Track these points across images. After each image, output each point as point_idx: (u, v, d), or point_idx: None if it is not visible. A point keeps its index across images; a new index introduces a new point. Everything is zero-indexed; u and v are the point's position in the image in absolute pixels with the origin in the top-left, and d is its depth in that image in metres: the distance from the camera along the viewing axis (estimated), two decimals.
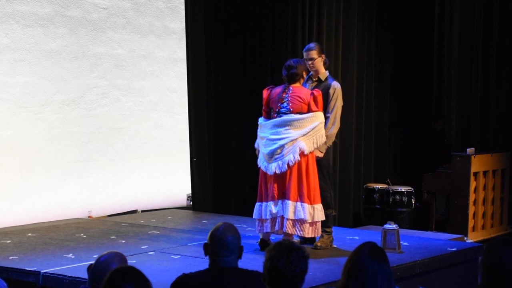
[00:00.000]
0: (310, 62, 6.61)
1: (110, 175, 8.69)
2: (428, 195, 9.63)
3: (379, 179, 10.43)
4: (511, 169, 9.77)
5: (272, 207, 6.23)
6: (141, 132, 9.02)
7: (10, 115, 7.80)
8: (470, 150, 9.18)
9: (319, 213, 6.29)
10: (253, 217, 6.44)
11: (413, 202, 9.65)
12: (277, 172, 6.20)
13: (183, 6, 8.94)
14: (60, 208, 8.13)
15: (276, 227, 6.26)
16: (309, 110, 6.29)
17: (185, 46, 8.85)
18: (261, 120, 6.51)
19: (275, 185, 6.23)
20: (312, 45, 6.76)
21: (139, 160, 8.98)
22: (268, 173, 6.26)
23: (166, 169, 9.21)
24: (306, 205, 6.20)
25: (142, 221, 7.98)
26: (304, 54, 6.68)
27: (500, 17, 9.75)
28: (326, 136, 6.49)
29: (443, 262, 6.56)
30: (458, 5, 9.81)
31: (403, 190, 9.65)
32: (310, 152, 6.28)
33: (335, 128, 6.59)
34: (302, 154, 6.20)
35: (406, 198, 9.61)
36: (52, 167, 8.15)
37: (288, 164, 6.16)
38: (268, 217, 6.27)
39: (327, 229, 6.62)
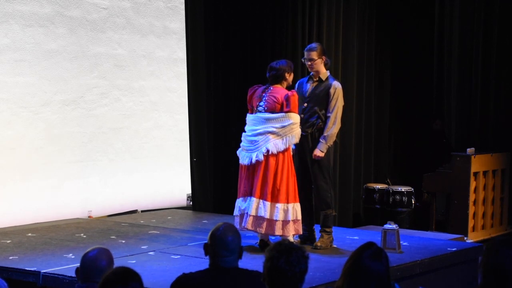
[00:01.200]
0: (309, 63, 6.60)
1: (110, 175, 8.69)
2: (428, 195, 9.63)
3: (379, 179, 10.43)
4: (511, 169, 9.77)
5: (241, 203, 6.40)
6: (141, 132, 9.02)
7: (10, 115, 7.80)
8: (470, 150, 9.19)
9: (281, 213, 6.28)
10: (233, 214, 6.58)
11: (413, 202, 9.65)
12: (242, 163, 6.38)
13: (183, 6, 8.94)
14: (60, 208, 8.13)
15: (243, 224, 6.33)
16: (281, 110, 6.34)
17: (185, 46, 8.85)
18: (247, 115, 6.65)
19: (245, 181, 6.37)
20: (313, 45, 6.76)
21: (139, 160, 8.99)
22: (240, 162, 6.42)
23: (166, 169, 9.21)
24: (267, 203, 6.25)
25: (142, 221, 7.98)
26: (305, 53, 6.68)
27: (500, 17, 9.76)
28: (327, 136, 6.50)
29: (443, 262, 6.56)
30: (458, 5, 9.82)
31: (403, 190, 9.65)
32: (281, 152, 6.31)
33: (335, 128, 6.59)
34: (268, 154, 6.27)
35: (406, 198, 9.62)
36: (52, 167, 8.15)
37: (251, 160, 6.29)
38: (237, 213, 6.44)
39: (327, 229, 6.62)
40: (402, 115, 10.97)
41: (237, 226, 6.32)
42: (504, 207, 9.75)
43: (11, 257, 6.07)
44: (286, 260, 3.28)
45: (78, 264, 5.48)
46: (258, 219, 6.27)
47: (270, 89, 6.43)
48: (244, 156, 6.39)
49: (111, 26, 8.66)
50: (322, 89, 6.59)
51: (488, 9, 9.78)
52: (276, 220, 6.27)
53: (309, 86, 6.64)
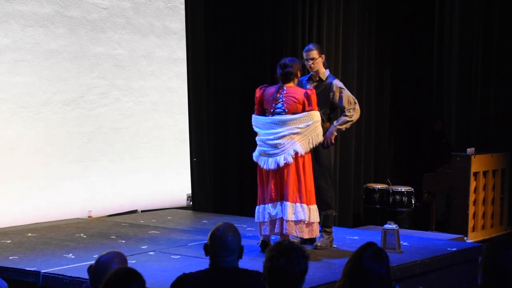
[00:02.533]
0: (311, 62, 6.59)
1: (110, 175, 8.69)
2: (428, 195, 9.63)
3: (379, 179, 10.43)
4: (511, 169, 9.77)
5: (271, 209, 6.18)
6: (141, 132, 9.02)
7: (10, 115, 7.80)
8: (470, 150, 9.19)
9: (315, 214, 6.25)
10: (255, 220, 6.38)
11: (413, 202, 9.65)
12: (266, 168, 6.16)
13: (183, 6, 8.94)
14: (60, 208, 8.13)
15: (276, 229, 6.20)
16: (304, 110, 6.23)
17: (185, 46, 8.85)
18: (254, 116, 6.44)
19: (272, 187, 6.17)
20: (311, 45, 6.75)
21: (139, 160, 8.98)
22: (263, 167, 6.20)
23: (166, 169, 9.21)
24: (305, 206, 6.16)
25: (142, 221, 7.98)
26: (304, 54, 6.67)
27: (500, 17, 9.76)
28: (347, 122, 6.51)
29: (443, 262, 6.56)
30: (458, 5, 9.82)
31: (403, 190, 9.66)
32: (306, 153, 6.22)
33: (356, 114, 6.58)
34: (297, 155, 6.14)
35: (406, 198, 9.62)
36: (52, 167, 8.15)
37: (278, 164, 6.11)
38: (266, 219, 6.21)
39: (327, 229, 6.62)
40: (402, 115, 10.98)
41: (266, 233, 6.23)
42: (504, 207, 9.75)
43: (11, 257, 6.07)
44: (286, 260, 3.28)
45: (78, 264, 5.44)
46: (298, 223, 6.14)
47: (284, 89, 6.27)
48: (269, 161, 6.16)
49: (111, 26, 8.66)
50: (323, 88, 6.58)
51: (488, 9, 9.79)
52: (314, 223, 6.22)
53: (309, 86, 6.63)
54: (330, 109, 6.69)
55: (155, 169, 9.11)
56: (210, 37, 8.86)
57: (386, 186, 9.94)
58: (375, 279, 3.22)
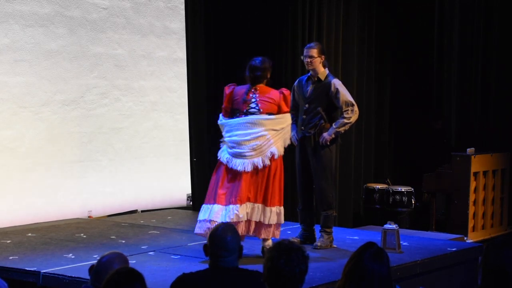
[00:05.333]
0: (308, 60, 6.55)
1: (110, 175, 8.69)
2: (428, 195, 9.62)
3: (379, 179, 10.42)
4: (511, 169, 9.77)
5: (238, 211, 5.94)
6: (141, 132, 9.02)
7: (10, 115, 7.81)
8: (470, 150, 9.19)
9: (275, 217, 6.09)
10: (200, 218, 6.13)
11: (413, 202, 9.64)
12: (241, 169, 5.99)
13: (183, 6, 8.94)
14: (60, 208, 8.13)
15: (250, 231, 6.09)
16: (280, 111, 6.13)
17: (185, 46, 8.85)
18: (221, 118, 6.28)
19: (244, 188, 5.97)
20: (313, 44, 6.74)
21: (139, 160, 8.98)
22: (231, 167, 6.02)
23: (166, 169, 9.21)
24: (273, 208, 6.07)
25: (142, 221, 7.98)
26: (304, 51, 6.64)
27: (500, 17, 9.76)
28: (345, 124, 6.45)
29: (443, 262, 6.56)
30: (458, 5, 9.82)
31: (403, 190, 9.65)
32: (279, 155, 6.13)
33: (354, 115, 6.53)
34: (273, 157, 6.06)
35: (406, 198, 9.61)
36: (52, 167, 8.15)
37: (256, 167, 5.98)
38: (232, 219, 5.92)
39: (327, 230, 6.62)
40: (402, 115, 10.97)
41: (242, 232, 6.05)
42: (504, 207, 9.74)
43: (11, 257, 6.08)
44: (286, 260, 3.28)
45: (78, 264, 5.46)
46: (259, 225, 6.09)
47: (256, 90, 6.14)
48: (245, 163, 5.99)
49: (111, 26, 8.66)
50: (322, 88, 6.57)
51: (488, 9, 9.78)
52: (270, 224, 6.09)
53: (310, 87, 6.61)
54: (331, 109, 6.66)
55: (155, 169, 9.11)
56: (210, 37, 8.86)
57: (386, 186, 9.93)
58: (375, 279, 3.23)
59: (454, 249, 6.80)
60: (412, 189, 9.69)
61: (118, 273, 3.19)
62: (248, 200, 6.02)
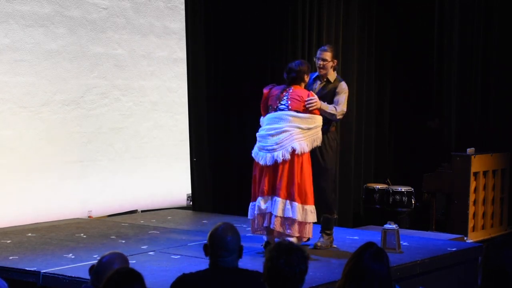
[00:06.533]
0: (321, 62, 6.56)
1: (110, 175, 8.69)
2: (428, 195, 9.63)
3: (379, 179, 10.43)
4: (511, 169, 9.77)
5: (261, 203, 6.15)
6: (141, 132, 9.02)
7: (10, 115, 7.80)
8: (470, 150, 9.19)
9: (310, 215, 6.18)
10: (248, 217, 6.38)
11: (413, 202, 9.65)
12: (263, 163, 6.13)
13: (183, 6, 8.94)
14: (60, 208, 8.13)
15: (265, 223, 6.18)
16: (305, 109, 6.21)
17: (185, 46, 8.85)
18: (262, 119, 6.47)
19: (266, 181, 6.14)
20: (328, 47, 6.73)
21: (139, 160, 8.98)
22: (258, 161, 6.18)
23: (166, 169, 9.21)
24: (295, 204, 6.11)
25: (142, 221, 7.98)
26: (318, 52, 6.66)
27: (500, 16, 9.76)
28: (330, 110, 6.40)
29: (443, 262, 6.56)
30: (458, 4, 9.82)
31: (403, 190, 9.65)
32: (304, 153, 6.17)
33: (339, 114, 6.48)
34: (294, 153, 6.11)
35: (406, 198, 9.61)
36: (52, 167, 8.15)
37: (276, 160, 6.09)
38: (256, 212, 6.20)
39: (327, 231, 6.61)
40: (402, 115, 10.97)
41: (256, 227, 6.23)
42: (504, 207, 9.75)
43: (11, 257, 6.07)
44: (286, 260, 3.28)
45: (78, 264, 5.46)
46: (286, 220, 6.10)
47: (290, 89, 6.28)
48: (267, 157, 6.13)
49: (111, 26, 8.66)
50: (330, 90, 6.55)
51: (488, 8, 9.78)
52: (308, 223, 6.17)
53: (317, 86, 6.61)
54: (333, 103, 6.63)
55: (155, 169, 9.11)
56: (210, 37, 8.86)
57: (386, 186, 9.93)
58: (375, 279, 3.23)
59: (454, 249, 6.80)
60: (412, 189, 9.69)
61: (118, 273, 3.19)
62: (268, 193, 6.14)
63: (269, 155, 6.13)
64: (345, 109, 6.56)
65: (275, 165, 6.12)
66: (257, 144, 6.28)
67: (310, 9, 9.36)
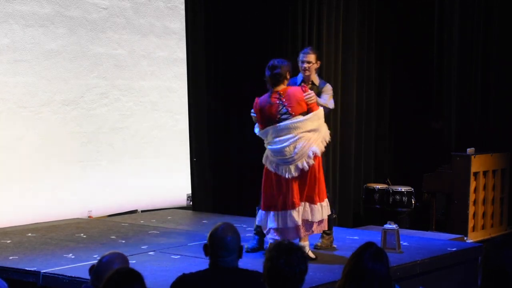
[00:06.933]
0: (306, 65, 6.46)
1: (110, 175, 8.69)
2: (428, 195, 9.63)
3: (379, 179, 10.43)
4: (511, 169, 9.77)
5: (294, 215, 5.98)
6: (141, 132, 9.02)
7: (10, 115, 7.81)
8: (470, 150, 9.19)
9: (326, 210, 6.18)
10: (257, 223, 6.26)
11: (413, 202, 9.65)
12: (289, 176, 5.99)
13: (183, 6, 8.94)
14: (60, 208, 8.13)
15: (301, 234, 6.06)
16: (309, 109, 6.10)
17: (185, 46, 8.85)
18: (257, 130, 6.24)
19: (294, 193, 5.99)
20: (310, 49, 6.62)
21: (139, 160, 8.99)
22: (280, 174, 6.03)
23: (166, 169, 9.21)
24: (323, 204, 6.12)
25: (142, 221, 7.98)
26: (301, 55, 6.53)
27: (500, 16, 9.76)
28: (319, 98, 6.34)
29: (443, 262, 6.56)
30: (458, 4, 9.82)
31: (403, 190, 9.65)
32: (321, 152, 6.13)
33: (327, 102, 6.42)
34: (315, 155, 6.04)
35: (406, 198, 9.61)
36: (52, 167, 8.15)
37: (302, 169, 5.98)
38: (291, 225, 6.01)
39: (327, 231, 6.61)
40: (402, 115, 10.97)
41: (295, 239, 5.97)
42: (504, 207, 9.75)
43: (11, 257, 6.08)
44: (286, 260, 3.28)
45: (78, 264, 5.45)
46: (322, 222, 6.13)
47: (279, 93, 6.06)
48: (291, 169, 5.99)
49: (111, 26, 8.66)
50: (316, 93, 6.36)
51: (488, 8, 9.78)
52: (322, 219, 6.14)
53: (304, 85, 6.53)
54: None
55: (155, 169, 9.11)
56: (210, 37, 8.86)
57: (386, 186, 9.93)
58: (375, 279, 3.23)
59: (454, 249, 6.80)
60: (412, 189, 9.69)
61: (118, 273, 3.19)
62: (299, 204, 6.03)
63: (292, 167, 6.01)
64: (333, 103, 6.50)
65: (302, 174, 6.01)
66: (274, 159, 6.08)
67: (310, 10, 9.36)
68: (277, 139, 6.05)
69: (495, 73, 9.79)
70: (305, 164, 5.99)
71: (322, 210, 6.14)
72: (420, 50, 10.79)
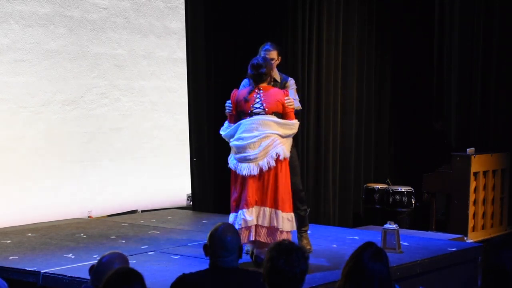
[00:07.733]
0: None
1: (110, 175, 8.69)
2: (428, 195, 9.63)
3: (379, 179, 10.43)
4: (511, 169, 9.78)
5: (246, 215, 5.73)
6: (141, 132, 9.02)
7: (10, 115, 7.80)
8: (470, 150, 9.19)
9: (288, 224, 5.79)
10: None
11: (413, 202, 9.65)
12: (247, 173, 5.75)
13: (183, 6, 8.94)
14: (60, 208, 8.13)
15: (250, 237, 5.78)
16: (285, 113, 5.88)
17: (185, 46, 8.85)
18: (225, 126, 6.06)
19: (249, 192, 5.75)
20: (272, 45, 6.37)
21: (139, 160, 8.98)
22: (238, 173, 5.81)
23: (166, 169, 9.21)
24: (279, 212, 5.77)
25: (142, 221, 7.98)
26: (262, 52, 6.29)
27: (500, 16, 9.76)
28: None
29: (443, 262, 6.56)
30: (458, 4, 9.82)
31: (403, 190, 9.65)
32: (286, 158, 5.87)
33: (297, 102, 6.23)
34: (278, 159, 5.78)
35: (406, 198, 9.61)
36: (52, 167, 8.15)
37: (261, 169, 5.74)
38: (240, 225, 5.70)
39: (304, 228, 6.34)
40: (402, 115, 10.97)
41: (243, 240, 5.64)
42: (504, 207, 9.75)
43: (11, 257, 6.08)
44: (286, 260, 3.28)
45: (78, 264, 5.45)
46: (271, 229, 5.77)
47: (260, 90, 5.89)
48: (251, 167, 5.75)
49: (111, 26, 8.66)
50: (279, 88, 6.19)
51: (488, 8, 9.78)
52: (282, 231, 5.78)
53: (285, 90, 6.29)
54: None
55: (155, 169, 9.11)
56: (210, 37, 8.86)
57: (386, 186, 9.93)
58: (375, 279, 3.23)
59: (454, 249, 6.80)
60: (412, 189, 9.69)
61: (118, 273, 3.19)
62: (256, 203, 5.78)
63: (252, 164, 5.77)
64: (299, 104, 6.30)
65: (260, 174, 5.78)
66: (236, 156, 5.86)
67: (310, 10, 9.36)
68: (244, 134, 5.83)
69: (495, 73, 9.79)
70: (265, 164, 5.74)
71: (283, 222, 5.79)
72: (420, 50, 10.79)
